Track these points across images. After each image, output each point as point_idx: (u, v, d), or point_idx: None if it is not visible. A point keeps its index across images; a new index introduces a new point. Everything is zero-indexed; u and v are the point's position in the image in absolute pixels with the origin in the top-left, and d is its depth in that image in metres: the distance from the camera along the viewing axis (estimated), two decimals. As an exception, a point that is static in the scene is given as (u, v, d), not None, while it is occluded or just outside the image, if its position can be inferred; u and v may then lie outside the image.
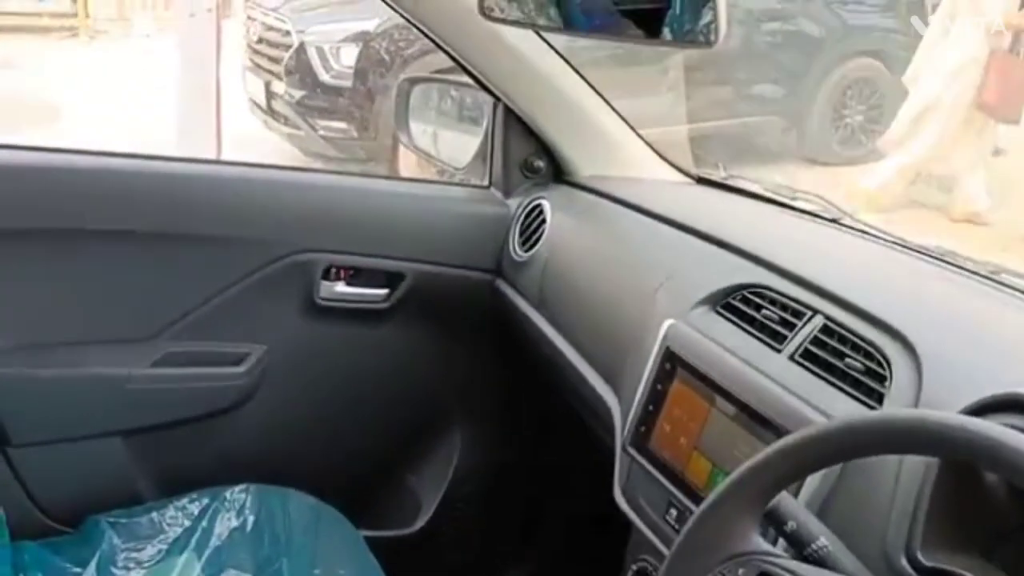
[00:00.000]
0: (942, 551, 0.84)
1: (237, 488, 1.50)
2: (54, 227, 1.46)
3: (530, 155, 1.67)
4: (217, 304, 1.55)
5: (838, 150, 6.46)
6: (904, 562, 0.85)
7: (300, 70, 5.69)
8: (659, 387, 1.16)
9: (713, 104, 6.17)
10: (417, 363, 1.73)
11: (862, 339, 1.01)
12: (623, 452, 1.22)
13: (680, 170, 1.67)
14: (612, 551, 1.33)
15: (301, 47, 5.67)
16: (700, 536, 0.82)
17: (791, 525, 0.84)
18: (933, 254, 1.29)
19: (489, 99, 1.65)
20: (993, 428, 0.68)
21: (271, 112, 5.98)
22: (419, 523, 1.78)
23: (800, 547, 0.82)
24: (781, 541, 0.84)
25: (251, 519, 1.48)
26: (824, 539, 0.83)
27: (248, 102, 6.24)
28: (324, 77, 5.65)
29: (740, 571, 0.79)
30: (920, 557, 0.84)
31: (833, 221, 1.43)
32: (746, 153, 5.89)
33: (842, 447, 0.78)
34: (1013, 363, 0.92)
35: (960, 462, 0.85)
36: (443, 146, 1.86)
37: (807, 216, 1.47)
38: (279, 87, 5.85)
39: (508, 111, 1.62)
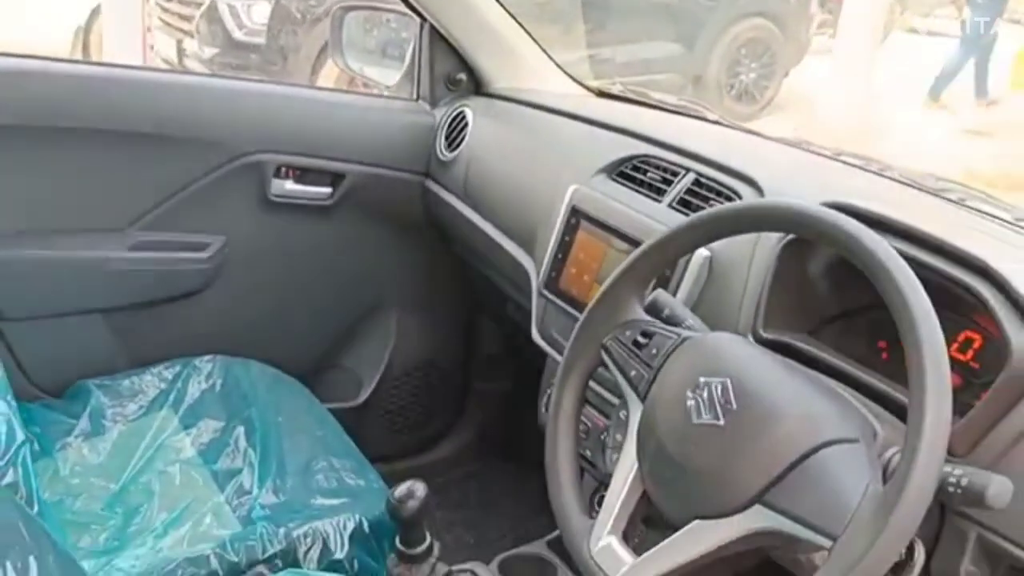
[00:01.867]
0: (779, 328, 1.14)
1: (205, 358, 1.71)
2: (38, 125, 1.61)
3: (452, 70, 1.90)
4: (182, 198, 1.74)
5: (732, 106, 6.83)
6: (749, 336, 1.14)
7: (212, 28, 5.70)
8: (566, 239, 1.43)
9: (614, 63, 6.45)
10: (358, 254, 1.96)
11: (723, 186, 1.30)
12: (539, 296, 1.48)
13: (583, 85, 1.93)
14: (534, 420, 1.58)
15: (212, 5, 5.67)
16: (598, 311, 1.09)
17: (666, 311, 1.12)
18: (789, 142, 1.58)
19: (416, 21, 1.87)
20: (834, 212, 0.92)
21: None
22: (361, 398, 2.02)
23: (672, 326, 1.10)
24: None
25: (219, 382, 1.69)
26: (691, 320, 1.12)
27: (159, 61, 6.25)
28: (237, 35, 5.68)
29: (627, 332, 1.07)
30: (761, 332, 1.13)
31: (715, 122, 1.71)
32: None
33: (707, 231, 1.03)
34: (837, 190, 1.19)
35: (794, 262, 1.13)
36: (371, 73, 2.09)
37: (690, 117, 1.75)
38: (191, 45, 5.87)
39: (433, 31, 1.83)
